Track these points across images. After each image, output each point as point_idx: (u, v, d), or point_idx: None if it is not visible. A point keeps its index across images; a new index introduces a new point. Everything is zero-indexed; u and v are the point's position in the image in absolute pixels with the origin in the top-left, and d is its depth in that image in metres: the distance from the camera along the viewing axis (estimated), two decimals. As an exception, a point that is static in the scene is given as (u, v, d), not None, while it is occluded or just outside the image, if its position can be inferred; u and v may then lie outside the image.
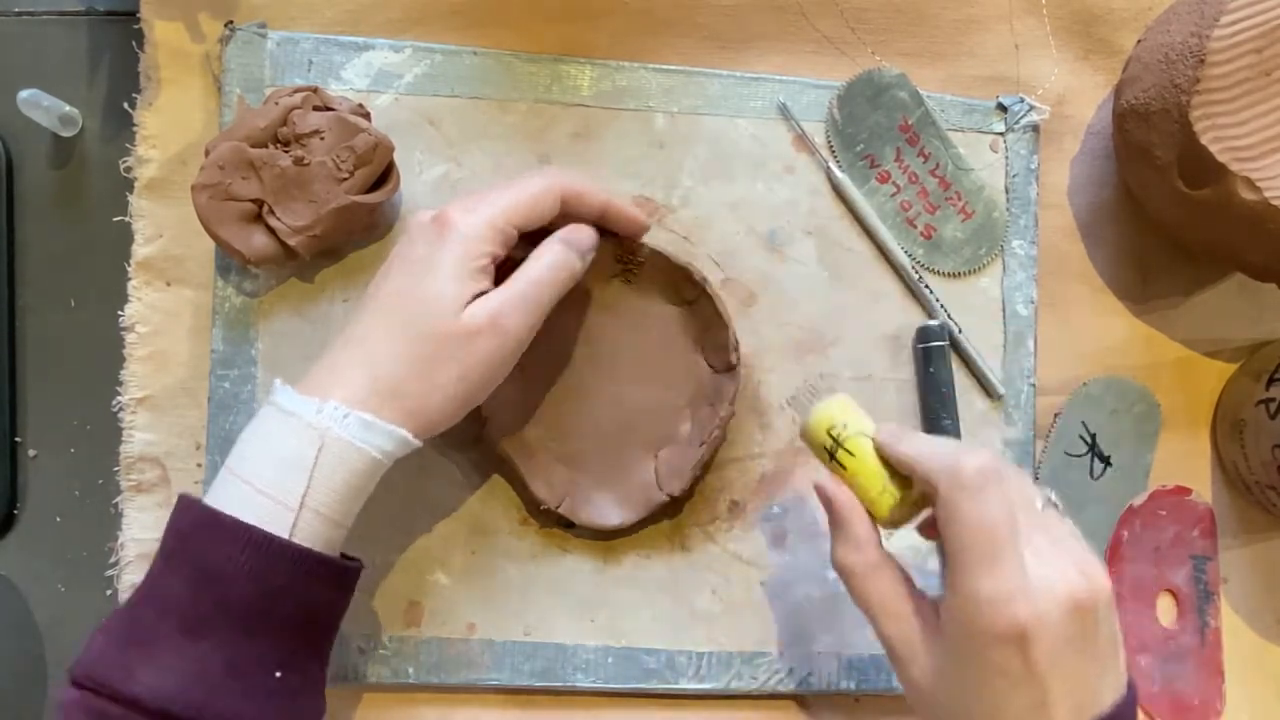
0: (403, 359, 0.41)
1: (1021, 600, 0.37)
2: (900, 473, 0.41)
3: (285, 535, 0.38)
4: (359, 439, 0.39)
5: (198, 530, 0.38)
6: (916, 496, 0.41)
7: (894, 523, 0.42)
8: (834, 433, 0.42)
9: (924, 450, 0.40)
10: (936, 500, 0.39)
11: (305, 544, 0.38)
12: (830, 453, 0.42)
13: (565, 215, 0.45)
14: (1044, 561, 0.38)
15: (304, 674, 0.40)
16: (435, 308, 0.41)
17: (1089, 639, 0.38)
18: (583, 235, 0.46)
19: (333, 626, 0.42)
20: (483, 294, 0.42)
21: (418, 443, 0.41)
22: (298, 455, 0.39)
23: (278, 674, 0.38)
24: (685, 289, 0.50)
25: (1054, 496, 0.42)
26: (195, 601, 0.37)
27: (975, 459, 0.38)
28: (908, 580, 0.42)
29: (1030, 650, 0.37)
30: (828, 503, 0.42)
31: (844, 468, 0.42)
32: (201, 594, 0.37)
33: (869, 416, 0.43)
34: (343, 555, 0.41)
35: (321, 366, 0.42)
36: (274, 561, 0.37)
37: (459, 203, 0.43)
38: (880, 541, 0.42)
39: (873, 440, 0.42)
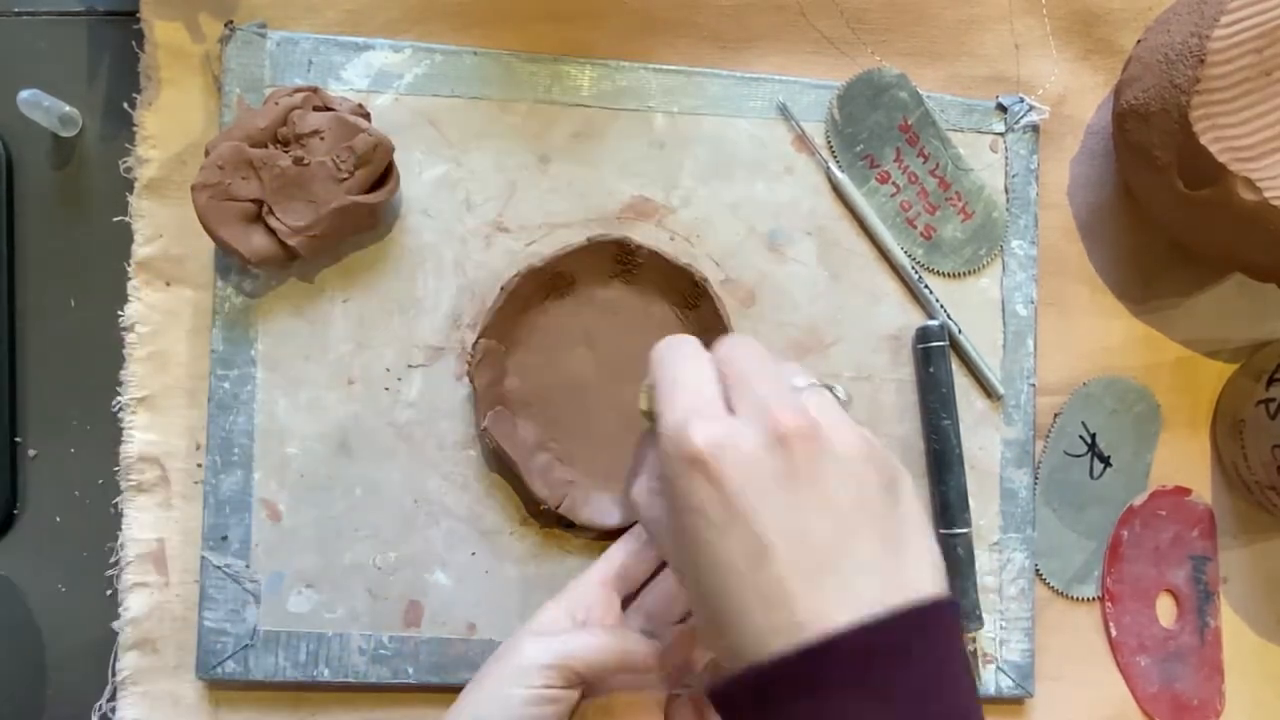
0: None
1: (710, 418, 0.33)
2: None
3: None
4: None
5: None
6: None
7: None
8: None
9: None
10: None
11: None
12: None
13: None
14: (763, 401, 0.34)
15: None
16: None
17: (802, 478, 0.32)
18: (642, 657, 0.41)
19: None
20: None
21: None
22: None
23: None
24: (685, 289, 0.50)
25: (840, 391, 0.37)
26: None
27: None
28: None
29: (721, 481, 0.32)
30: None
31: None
32: None
33: None
34: None
35: None
36: None
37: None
38: None
39: None
